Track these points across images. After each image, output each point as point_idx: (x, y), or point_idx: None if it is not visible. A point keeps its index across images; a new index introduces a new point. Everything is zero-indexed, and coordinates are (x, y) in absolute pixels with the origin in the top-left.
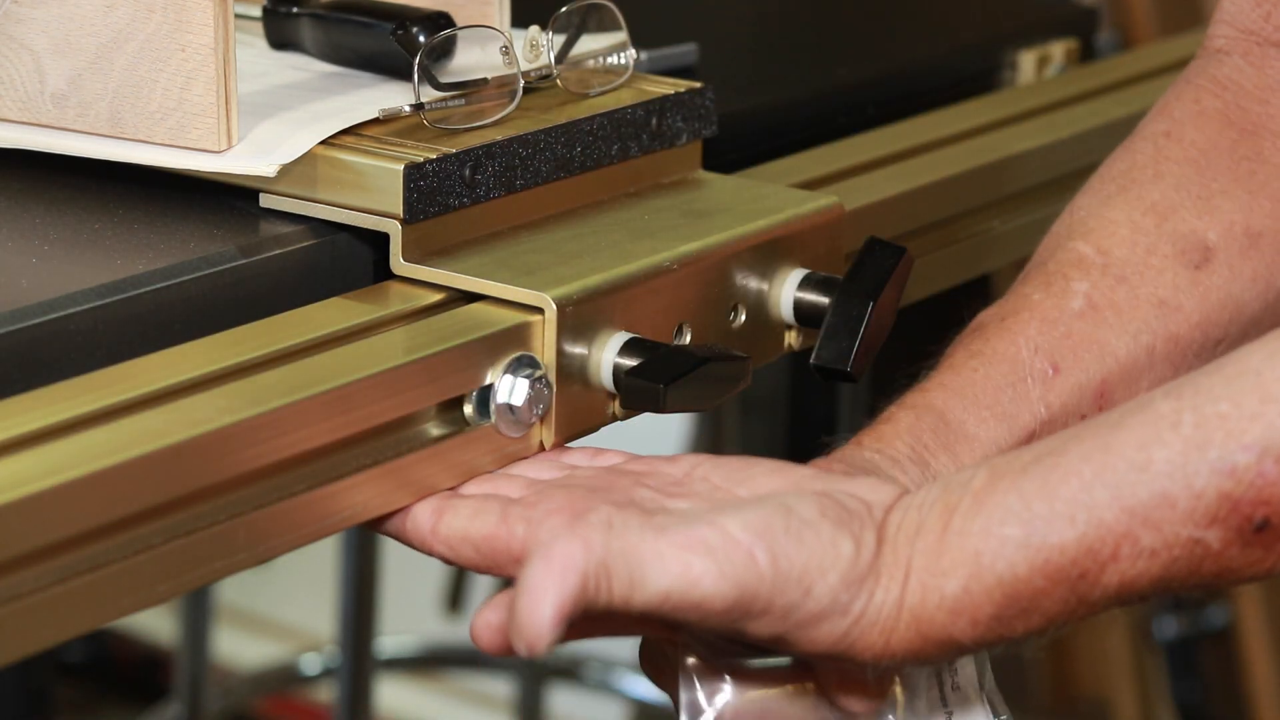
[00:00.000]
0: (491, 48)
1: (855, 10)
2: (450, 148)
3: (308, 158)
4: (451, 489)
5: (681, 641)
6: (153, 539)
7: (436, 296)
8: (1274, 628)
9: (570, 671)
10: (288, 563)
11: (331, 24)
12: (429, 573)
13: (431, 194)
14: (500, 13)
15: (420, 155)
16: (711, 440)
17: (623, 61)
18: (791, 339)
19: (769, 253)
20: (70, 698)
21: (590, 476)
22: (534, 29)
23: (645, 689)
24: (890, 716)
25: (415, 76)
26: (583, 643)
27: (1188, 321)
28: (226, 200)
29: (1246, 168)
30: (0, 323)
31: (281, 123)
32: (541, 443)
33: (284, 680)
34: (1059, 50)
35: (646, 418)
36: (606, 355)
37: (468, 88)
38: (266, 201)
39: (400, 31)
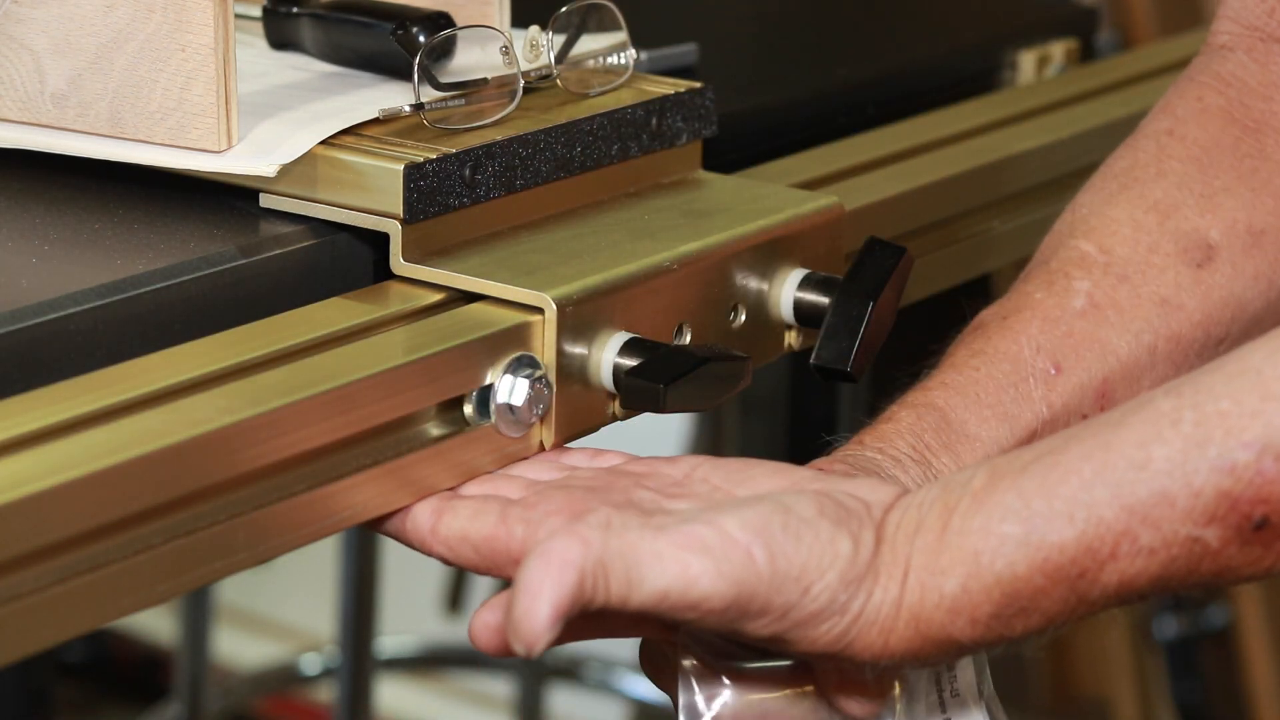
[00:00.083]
0: (491, 48)
1: (855, 10)
2: (450, 148)
3: (308, 158)
4: (451, 489)
5: (680, 643)
6: (153, 539)
7: (436, 296)
8: (1274, 628)
9: (570, 671)
10: (288, 563)
11: (331, 24)
12: (429, 573)
13: (431, 194)
14: (500, 13)
15: (420, 155)
16: (711, 440)
17: (623, 61)
18: (791, 339)
19: (769, 253)
20: (70, 698)
21: (590, 477)
22: (534, 29)
23: (645, 689)
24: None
25: (415, 76)
26: (582, 643)
27: (1190, 320)
28: (226, 200)
29: (1249, 165)
30: (0, 323)
31: (281, 123)
32: (541, 443)
33: (284, 680)
34: (1059, 50)
35: (646, 418)
36: (606, 355)
37: (468, 88)
38: (266, 201)
39: (400, 31)
